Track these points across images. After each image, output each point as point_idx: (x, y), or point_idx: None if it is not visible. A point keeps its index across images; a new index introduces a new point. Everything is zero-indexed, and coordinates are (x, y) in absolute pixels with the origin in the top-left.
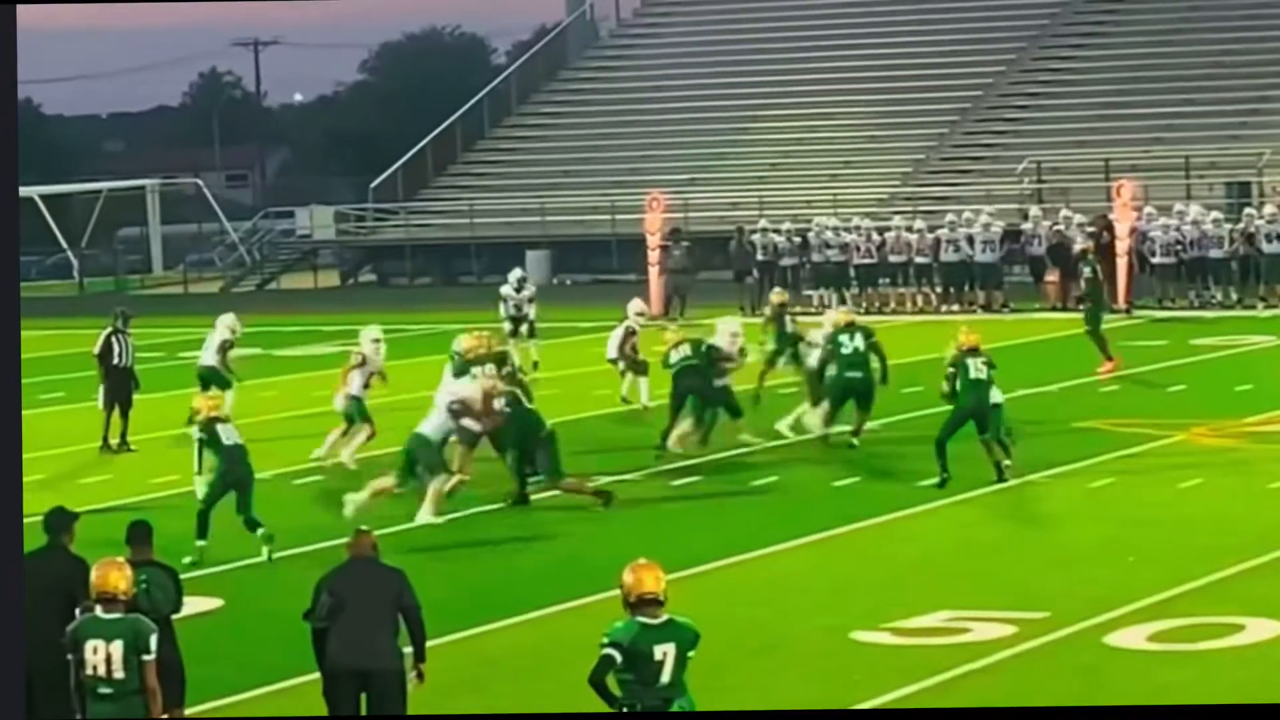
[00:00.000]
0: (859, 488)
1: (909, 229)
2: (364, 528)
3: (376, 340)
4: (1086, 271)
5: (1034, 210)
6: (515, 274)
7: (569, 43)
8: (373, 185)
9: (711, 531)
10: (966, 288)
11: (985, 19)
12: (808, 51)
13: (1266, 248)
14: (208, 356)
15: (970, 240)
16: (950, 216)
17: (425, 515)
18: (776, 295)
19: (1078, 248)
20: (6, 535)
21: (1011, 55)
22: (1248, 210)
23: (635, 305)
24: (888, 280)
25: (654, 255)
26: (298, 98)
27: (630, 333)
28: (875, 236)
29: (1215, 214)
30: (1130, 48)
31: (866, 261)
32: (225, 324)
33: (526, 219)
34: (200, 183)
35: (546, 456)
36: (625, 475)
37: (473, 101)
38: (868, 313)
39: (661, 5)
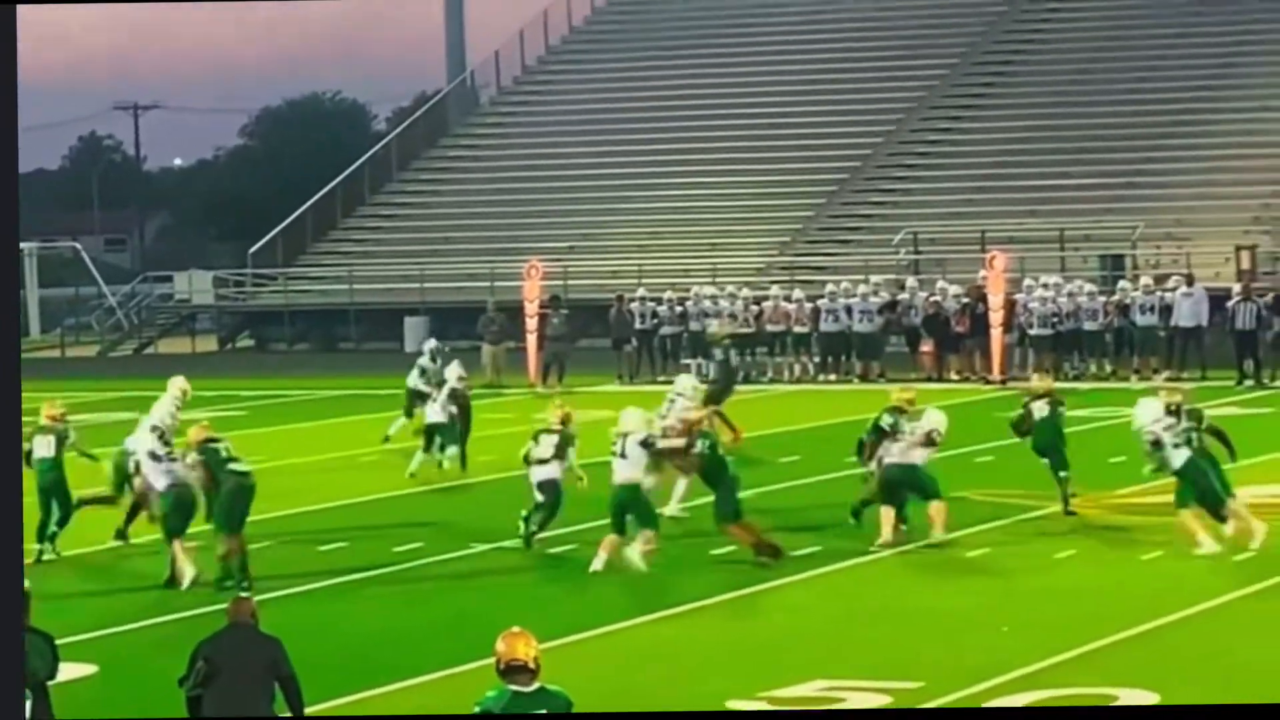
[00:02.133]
0: (736, 555)
1: (787, 298)
2: (244, 594)
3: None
4: (719, 354)
5: (910, 281)
6: (430, 344)
7: (450, 109)
8: (252, 250)
9: (588, 599)
10: (844, 358)
11: (864, 90)
12: (688, 120)
13: (1140, 320)
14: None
15: (849, 310)
16: (830, 286)
17: (636, 561)
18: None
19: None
20: (6, 535)
21: (890, 126)
22: (1121, 283)
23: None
24: (765, 350)
25: (532, 323)
26: (177, 162)
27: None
28: (753, 306)
29: (1090, 286)
30: (1007, 121)
31: (744, 331)
32: (177, 385)
33: (406, 285)
34: (78, 246)
35: (729, 498)
36: (502, 543)
37: (353, 167)
38: (745, 381)
39: (542, 73)
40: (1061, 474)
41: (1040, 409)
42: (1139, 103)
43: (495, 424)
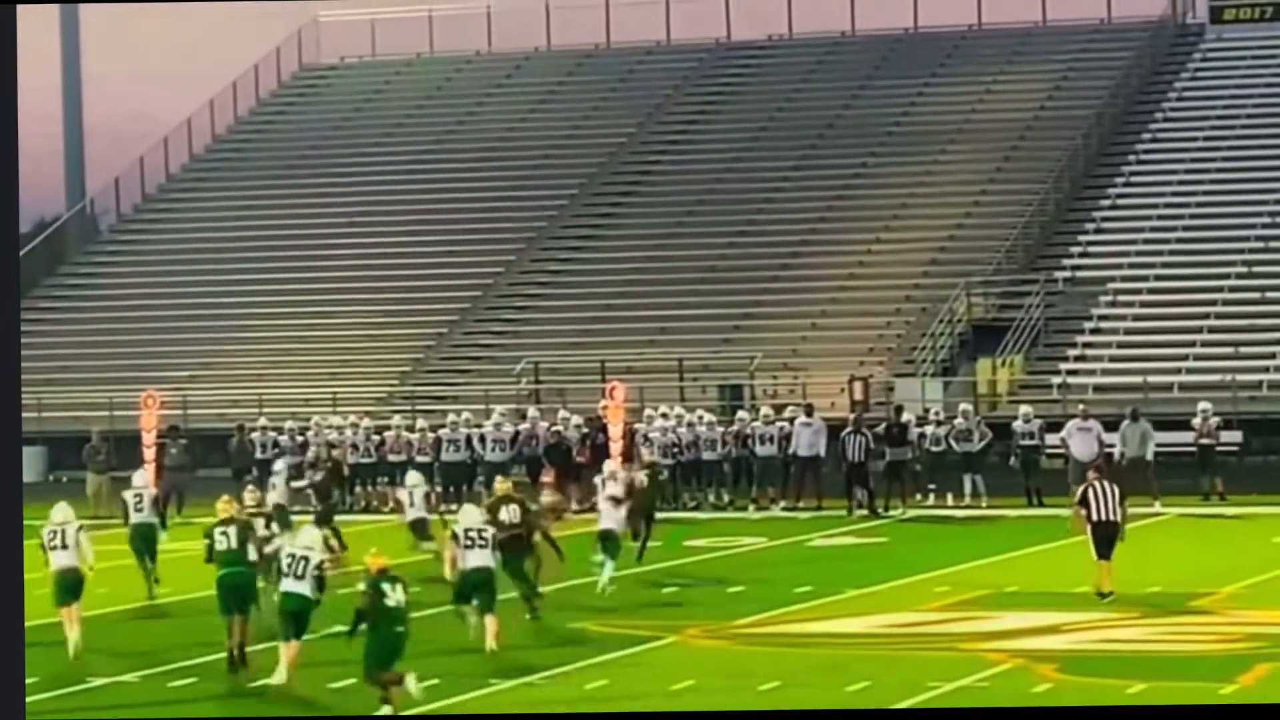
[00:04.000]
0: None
1: (409, 428)
2: None
3: None
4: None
5: (532, 410)
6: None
7: (68, 237)
8: None
9: None
10: (467, 487)
11: (485, 220)
12: (310, 248)
13: (760, 450)
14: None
15: (480, 439)
16: (451, 416)
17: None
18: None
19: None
20: (6, 535)
21: (511, 256)
22: (740, 413)
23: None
24: (386, 479)
25: (149, 453)
26: None
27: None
28: (375, 435)
29: (709, 416)
30: (626, 251)
31: (366, 460)
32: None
33: (24, 414)
34: None
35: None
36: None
37: None
38: (365, 510)
39: (163, 201)
40: None
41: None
42: (756, 234)
43: (106, 556)
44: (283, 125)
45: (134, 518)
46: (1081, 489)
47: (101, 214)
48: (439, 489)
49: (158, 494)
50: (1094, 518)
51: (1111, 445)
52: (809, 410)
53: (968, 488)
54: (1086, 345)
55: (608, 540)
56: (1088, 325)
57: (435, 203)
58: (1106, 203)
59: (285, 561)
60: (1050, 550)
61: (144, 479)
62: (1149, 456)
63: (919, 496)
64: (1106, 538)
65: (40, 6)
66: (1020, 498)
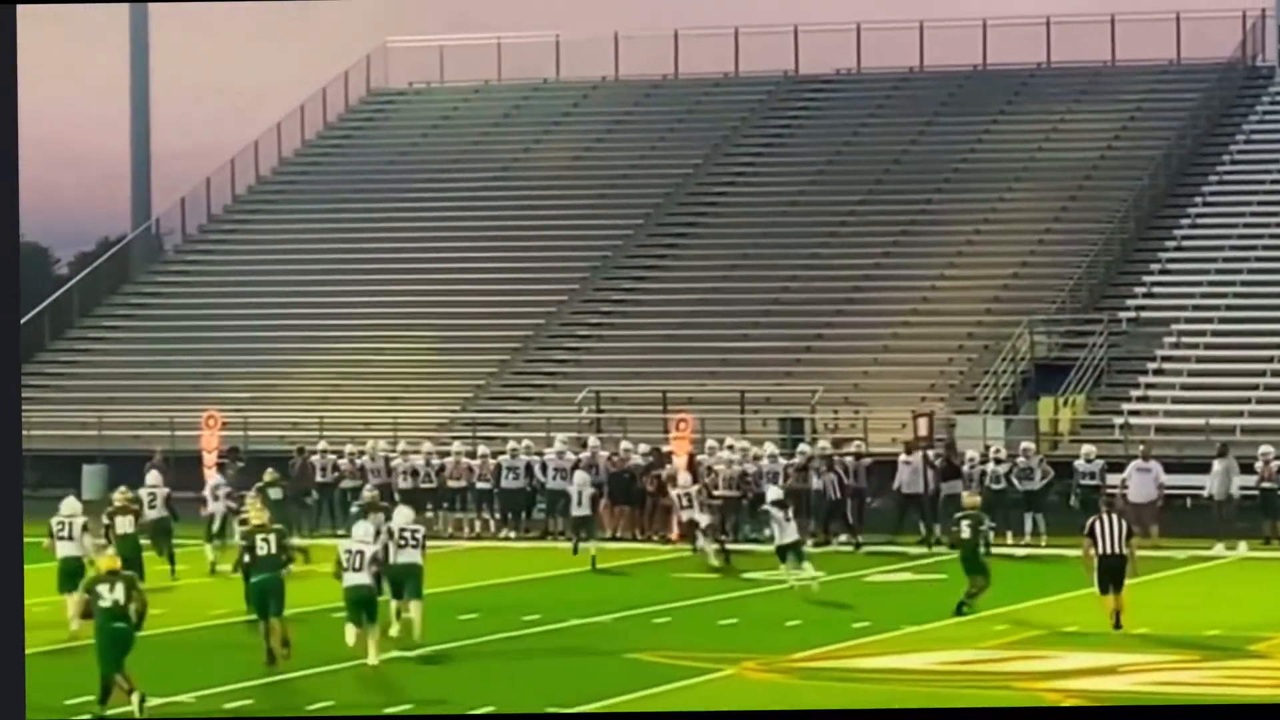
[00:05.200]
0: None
1: (470, 454)
2: None
3: None
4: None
5: (593, 440)
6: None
7: (133, 256)
8: None
9: None
10: (524, 515)
11: (550, 247)
12: (373, 271)
13: (816, 484)
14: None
15: (541, 466)
16: (511, 444)
17: None
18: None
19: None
20: (6, 535)
21: (575, 285)
22: (801, 446)
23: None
24: (447, 505)
25: (210, 474)
26: None
27: None
28: (435, 460)
29: (772, 448)
30: (690, 282)
31: (426, 486)
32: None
33: (84, 433)
34: None
35: None
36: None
37: (34, 312)
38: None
39: (228, 222)
40: None
41: None
42: (820, 268)
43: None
44: (350, 149)
45: (148, 514)
46: (1090, 521)
47: (166, 234)
48: (497, 515)
49: (169, 492)
50: (1100, 550)
51: (1170, 487)
52: (909, 448)
53: (1028, 526)
54: (1149, 386)
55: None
56: (1151, 366)
57: (500, 230)
58: (1172, 243)
59: (344, 557)
60: None
61: (156, 478)
62: (1234, 492)
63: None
64: (1112, 569)
65: (111, 26)
66: (1080, 536)
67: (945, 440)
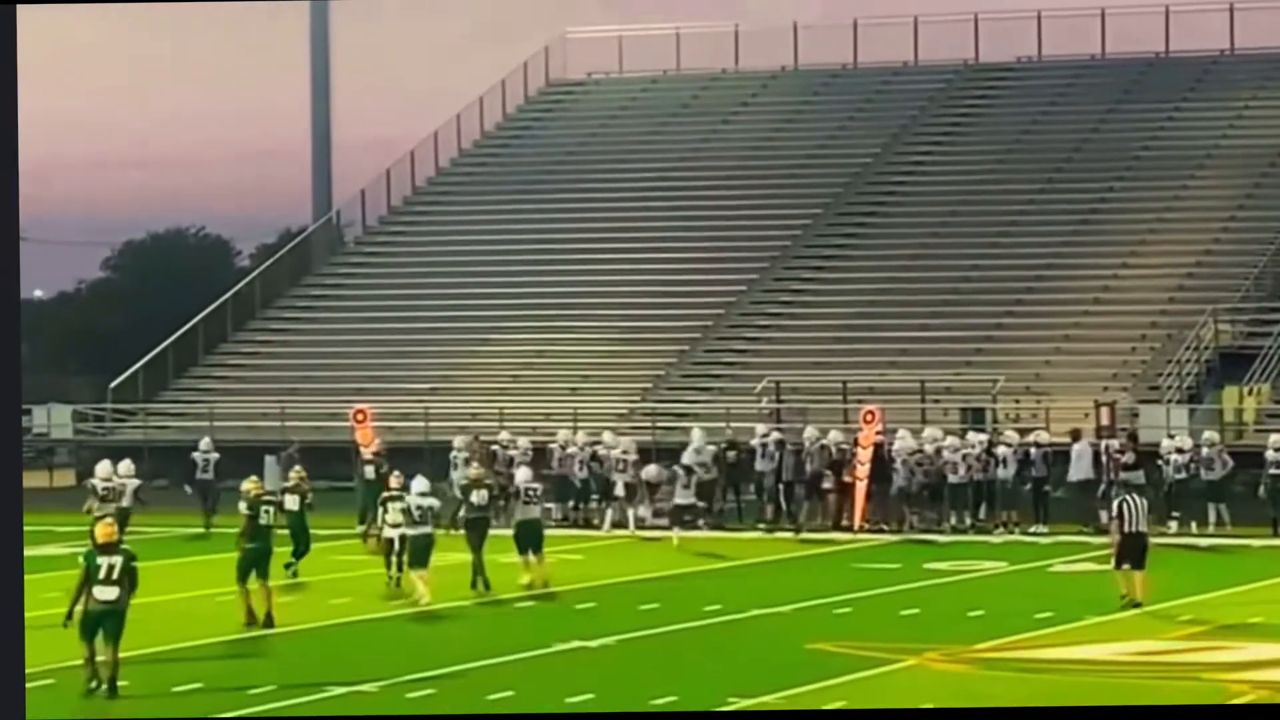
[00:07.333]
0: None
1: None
2: None
3: None
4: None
5: (760, 428)
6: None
7: (314, 248)
8: (112, 385)
9: None
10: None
11: (728, 238)
12: (552, 262)
13: (1001, 473)
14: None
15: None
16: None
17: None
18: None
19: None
20: (6, 535)
21: (754, 275)
22: (982, 436)
23: None
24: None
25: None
26: (37, 294)
27: None
28: (589, 447)
29: (953, 439)
30: (870, 272)
31: (583, 476)
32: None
33: (266, 423)
34: None
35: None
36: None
37: (216, 304)
38: (585, 525)
39: (408, 213)
40: None
41: None
42: (1000, 256)
43: (356, 565)
44: (529, 140)
45: (200, 476)
46: (1117, 502)
47: (347, 226)
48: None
49: (219, 457)
50: (1125, 529)
51: None
52: (1075, 435)
53: (1212, 516)
54: None
55: None
56: None
57: (679, 219)
58: None
59: (416, 512)
60: None
61: (208, 444)
62: None
63: (1165, 524)
64: (1139, 548)
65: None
66: (1265, 527)
67: (1128, 430)
